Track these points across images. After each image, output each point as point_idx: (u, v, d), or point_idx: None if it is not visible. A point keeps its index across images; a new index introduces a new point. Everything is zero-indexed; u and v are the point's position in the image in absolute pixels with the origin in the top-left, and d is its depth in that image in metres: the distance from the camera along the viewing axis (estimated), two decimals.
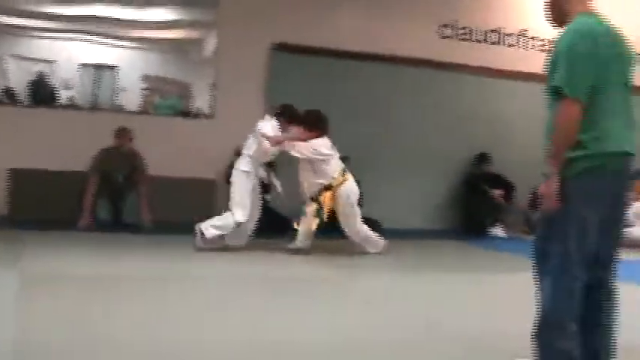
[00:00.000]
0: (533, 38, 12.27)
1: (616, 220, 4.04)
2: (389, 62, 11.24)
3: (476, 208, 11.09)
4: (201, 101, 10.99)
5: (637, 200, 10.32)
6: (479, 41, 11.91)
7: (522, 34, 12.24)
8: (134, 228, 9.21)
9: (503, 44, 12.12)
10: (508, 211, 11.24)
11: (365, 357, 4.40)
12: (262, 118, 8.51)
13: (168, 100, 11.08)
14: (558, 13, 4.15)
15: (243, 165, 8.21)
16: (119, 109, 10.72)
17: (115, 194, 9.71)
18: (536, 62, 12.07)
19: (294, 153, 8.13)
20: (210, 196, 10.22)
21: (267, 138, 8.05)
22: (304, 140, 8.12)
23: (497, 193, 11.05)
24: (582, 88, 3.88)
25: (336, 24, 11.02)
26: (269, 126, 8.21)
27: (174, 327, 4.77)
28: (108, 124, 9.70)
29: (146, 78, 11.04)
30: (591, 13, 4.06)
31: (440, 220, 11.56)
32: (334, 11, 11.02)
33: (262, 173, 8.44)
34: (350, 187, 8.30)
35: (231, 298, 5.84)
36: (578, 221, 3.84)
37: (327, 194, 8.16)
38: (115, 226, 9.45)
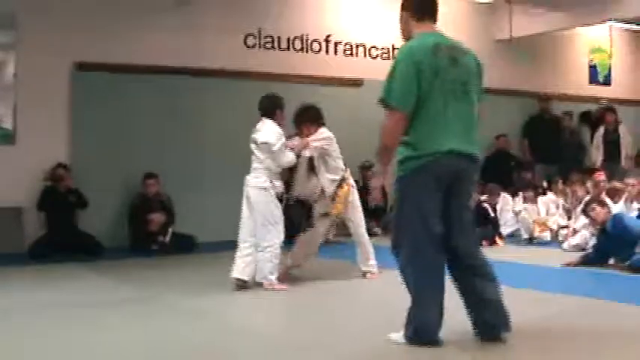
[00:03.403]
0: (337, 43, 12.56)
1: None
2: (196, 76, 11.15)
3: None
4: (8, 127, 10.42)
5: None
6: (283, 49, 12.05)
7: (327, 40, 12.48)
8: None
9: (309, 51, 12.31)
10: None
11: None
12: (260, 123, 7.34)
13: None
14: (405, 33, 4.81)
15: (261, 181, 7.16)
16: None
17: None
18: (343, 66, 12.46)
19: (311, 153, 7.52)
20: (18, 223, 9.92)
21: (293, 147, 7.32)
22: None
23: None
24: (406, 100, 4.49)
25: (140, 39, 10.79)
26: (274, 131, 7.18)
27: None
28: None
29: None
30: (431, 33, 4.71)
31: None
32: (138, 27, 10.80)
33: (279, 187, 7.34)
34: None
35: None
36: None
37: (344, 190, 7.57)
38: None
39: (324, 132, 7.62)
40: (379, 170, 4.77)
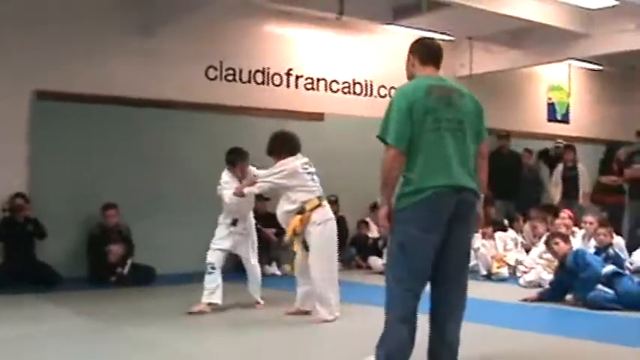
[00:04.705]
0: (298, 77, 12.64)
1: None
2: (157, 107, 11.15)
3: None
4: None
5: None
6: (244, 82, 12.09)
7: (288, 73, 12.55)
8: None
9: (270, 84, 12.36)
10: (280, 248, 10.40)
11: None
12: None
13: None
14: (408, 74, 5.10)
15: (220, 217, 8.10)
16: None
17: None
18: (304, 100, 12.53)
19: (250, 192, 7.70)
20: None
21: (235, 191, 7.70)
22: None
23: (269, 231, 10.94)
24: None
25: (102, 69, 10.74)
26: (221, 181, 7.92)
27: None
28: None
29: None
30: (429, 76, 4.96)
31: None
32: (100, 57, 10.75)
33: (235, 223, 7.98)
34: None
35: None
36: None
37: (296, 220, 7.24)
38: None
39: (283, 164, 7.38)
40: (382, 203, 4.84)
